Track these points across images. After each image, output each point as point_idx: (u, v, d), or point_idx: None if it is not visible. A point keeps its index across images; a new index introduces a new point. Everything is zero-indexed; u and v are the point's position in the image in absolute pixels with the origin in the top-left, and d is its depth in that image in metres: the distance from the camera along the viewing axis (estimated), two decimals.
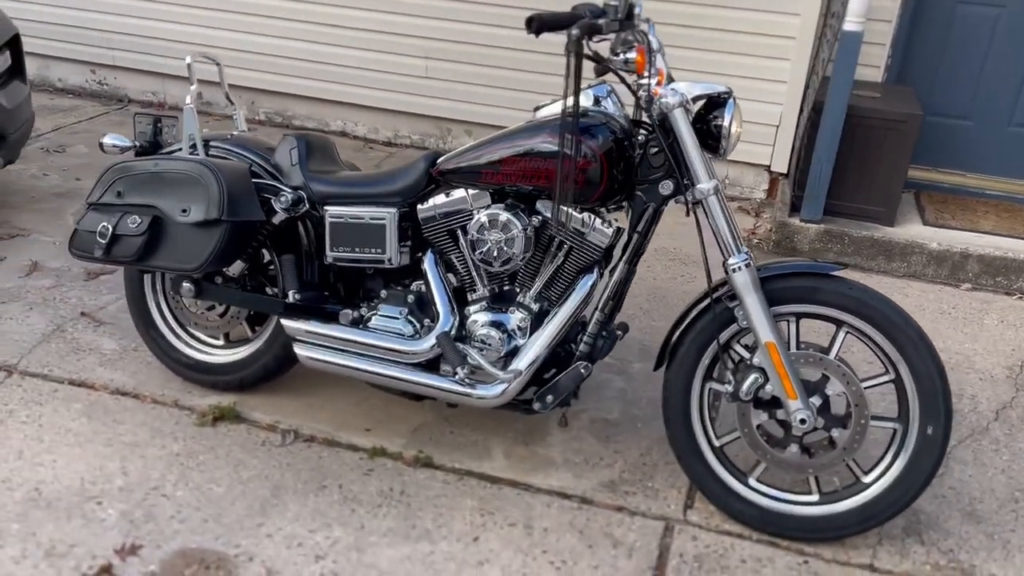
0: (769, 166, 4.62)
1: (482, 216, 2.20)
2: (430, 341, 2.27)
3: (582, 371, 2.21)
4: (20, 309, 3.11)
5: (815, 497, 2.22)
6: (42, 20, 5.62)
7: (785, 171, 4.59)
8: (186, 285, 2.51)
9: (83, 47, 5.68)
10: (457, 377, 2.23)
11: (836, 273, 2.12)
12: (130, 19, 5.51)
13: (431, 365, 2.33)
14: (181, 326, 2.71)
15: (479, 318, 2.28)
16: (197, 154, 2.46)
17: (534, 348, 2.22)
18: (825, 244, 3.98)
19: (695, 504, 2.35)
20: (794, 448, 2.17)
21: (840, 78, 3.69)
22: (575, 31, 1.84)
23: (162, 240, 2.29)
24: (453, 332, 2.28)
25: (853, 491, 2.19)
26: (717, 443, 2.27)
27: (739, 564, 2.16)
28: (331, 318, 2.44)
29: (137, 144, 2.53)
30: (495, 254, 2.20)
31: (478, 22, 4.81)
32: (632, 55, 2.03)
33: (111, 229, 2.30)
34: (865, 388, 2.12)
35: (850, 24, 3.62)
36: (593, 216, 2.19)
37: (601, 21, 1.92)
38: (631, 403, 2.80)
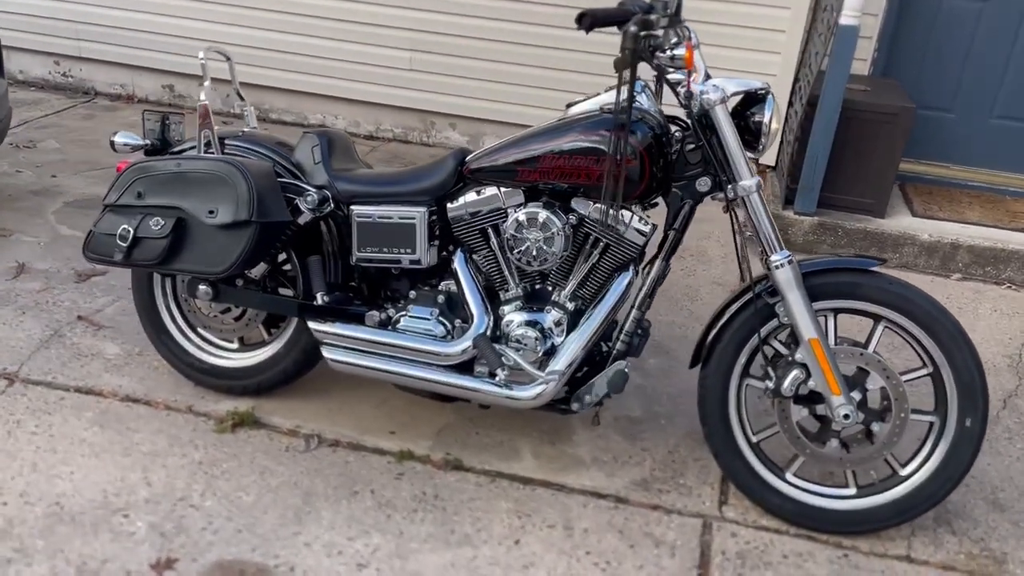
0: (757, 159, 4.65)
1: (520, 215, 2.16)
2: (465, 343, 2.23)
3: (626, 370, 2.19)
4: (12, 314, 2.97)
5: (852, 491, 2.24)
6: (1, 9, 5.40)
7: (773, 164, 4.63)
8: (203, 288, 2.43)
9: (47, 37, 5.47)
10: (497, 379, 2.19)
11: (874, 268, 2.14)
12: (98, 8, 5.31)
13: (464, 366, 2.28)
14: (193, 330, 2.62)
15: (514, 318, 2.25)
16: (213, 152, 2.38)
17: (572, 348, 2.19)
18: (819, 236, 4.03)
19: (730, 500, 2.35)
20: (834, 443, 2.18)
21: (836, 72, 3.72)
22: (633, 27, 1.81)
23: (187, 242, 2.20)
24: (488, 333, 2.23)
25: (891, 484, 2.21)
26: (755, 439, 2.27)
27: (781, 560, 2.17)
28: (355, 319, 2.38)
29: (148, 142, 2.43)
30: (533, 253, 2.17)
31: (465, 14, 4.75)
32: (680, 51, 2.00)
33: (132, 232, 2.20)
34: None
35: (847, 18, 3.65)
36: (631, 214, 2.17)
37: (653, 17, 1.89)
38: (652, 400, 2.79)
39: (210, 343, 2.61)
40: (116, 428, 2.45)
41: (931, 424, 2.18)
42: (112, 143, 2.40)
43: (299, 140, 2.44)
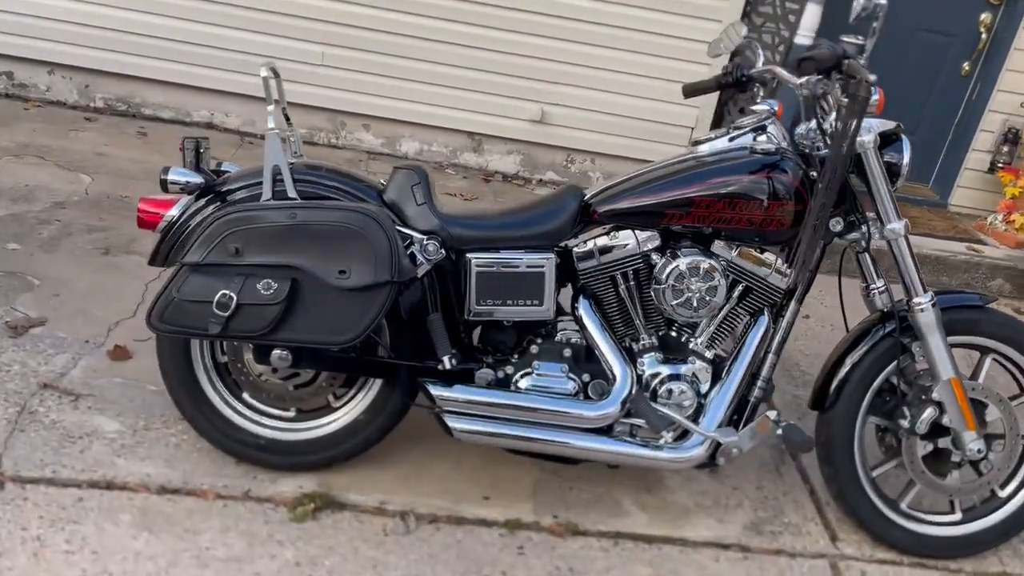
0: None
1: (681, 264, 2.00)
2: (614, 404, 2.04)
3: (793, 422, 2.11)
4: None
5: (958, 516, 2.33)
6: None
7: None
8: (278, 353, 2.01)
9: None
10: (662, 440, 2.04)
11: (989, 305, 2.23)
12: None
13: (604, 427, 2.09)
14: (238, 399, 2.18)
15: (659, 371, 2.09)
16: (283, 188, 1.98)
17: (724, 402, 2.08)
18: None
19: (838, 535, 2.37)
20: (955, 474, 2.25)
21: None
22: (872, 76, 1.72)
23: (302, 308, 1.80)
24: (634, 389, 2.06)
25: (991, 507, 2.33)
26: (873, 475, 2.29)
27: None
28: (468, 381, 2.10)
29: (204, 181, 1.97)
30: (694, 304, 2.02)
31: (386, 7, 4.39)
32: (874, 97, 1.93)
33: (235, 298, 1.76)
34: None
35: (802, 38, 3.80)
36: (775, 257, 2.09)
37: (861, 62, 1.82)
38: None
39: (263, 413, 2.19)
40: (171, 531, 1.98)
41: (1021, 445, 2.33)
42: (164, 182, 1.91)
43: (392, 176, 2.08)
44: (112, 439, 2.24)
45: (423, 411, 2.17)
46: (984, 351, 2.26)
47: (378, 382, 2.15)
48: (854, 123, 1.75)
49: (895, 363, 2.20)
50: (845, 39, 1.90)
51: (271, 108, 2.02)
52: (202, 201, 2.02)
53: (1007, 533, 2.33)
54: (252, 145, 4.56)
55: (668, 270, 2.00)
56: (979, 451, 2.17)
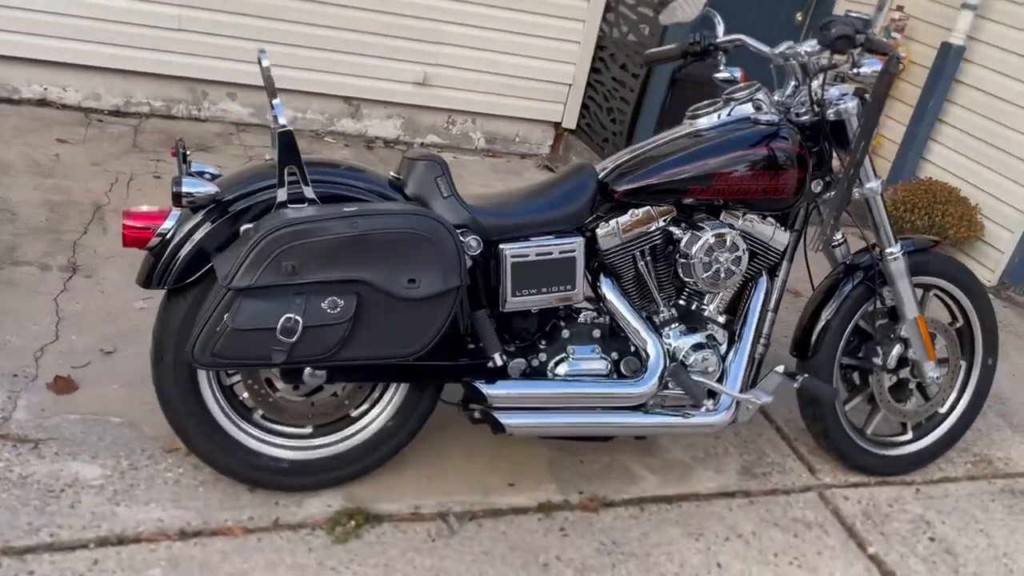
0: (560, 122, 4.81)
1: (708, 236, 2.05)
2: (652, 380, 2.08)
3: (807, 375, 2.24)
4: None
5: (910, 436, 2.63)
6: None
7: (574, 127, 4.83)
8: (310, 370, 1.86)
9: None
10: (703, 407, 2.11)
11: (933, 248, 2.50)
12: None
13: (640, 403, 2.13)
14: (248, 421, 1.99)
15: (684, 343, 2.15)
16: (299, 186, 1.80)
17: (742, 364, 2.19)
18: None
19: (815, 467, 2.60)
20: (914, 399, 2.53)
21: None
22: (902, 53, 1.83)
23: (367, 323, 1.66)
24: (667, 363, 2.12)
25: (935, 423, 2.64)
26: (846, 409, 2.52)
27: (889, 509, 2.49)
28: (496, 373, 2.05)
29: (219, 190, 1.75)
30: (722, 274, 2.09)
31: None
32: (869, 69, 2.04)
33: (301, 321, 1.59)
34: None
35: None
36: (774, 221, 2.21)
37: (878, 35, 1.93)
38: None
39: (279, 434, 2.02)
40: None
41: (959, 366, 2.65)
42: (178, 195, 1.67)
43: (410, 169, 1.94)
44: (100, 486, 1.98)
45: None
46: (927, 288, 2.53)
47: (404, 386, 2.05)
48: (884, 92, 1.87)
49: (863, 307, 2.41)
50: (853, 14, 2.01)
51: (277, 101, 1.82)
52: (200, 213, 1.80)
53: (947, 444, 2.66)
54: (102, 123, 4.05)
55: (697, 244, 2.05)
56: (938, 377, 2.45)
